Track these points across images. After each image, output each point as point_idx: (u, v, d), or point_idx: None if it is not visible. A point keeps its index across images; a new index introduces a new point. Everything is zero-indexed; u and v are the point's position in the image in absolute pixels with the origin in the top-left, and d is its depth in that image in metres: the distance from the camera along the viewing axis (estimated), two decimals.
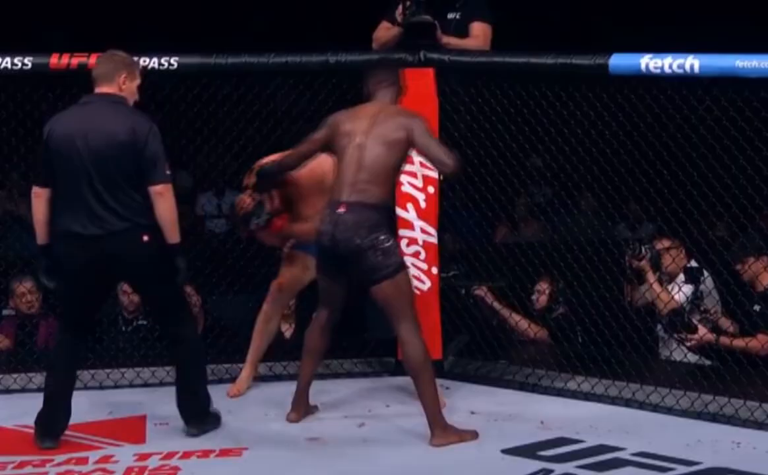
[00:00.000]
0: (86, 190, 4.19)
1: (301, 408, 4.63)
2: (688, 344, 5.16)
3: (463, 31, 5.29)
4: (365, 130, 4.41)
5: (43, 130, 4.35)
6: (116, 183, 4.19)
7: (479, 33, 5.30)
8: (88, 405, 4.82)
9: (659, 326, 5.37)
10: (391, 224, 4.64)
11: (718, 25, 8.39)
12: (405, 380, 5.07)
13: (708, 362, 5.12)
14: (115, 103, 4.28)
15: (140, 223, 4.21)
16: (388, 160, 4.38)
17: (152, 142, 4.21)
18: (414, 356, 4.34)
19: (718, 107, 4.64)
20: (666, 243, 5.43)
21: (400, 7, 5.21)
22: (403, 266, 4.41)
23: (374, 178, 4.35)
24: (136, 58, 5.01)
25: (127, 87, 4.33)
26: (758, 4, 8.79)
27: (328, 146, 4.49)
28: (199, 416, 4.50)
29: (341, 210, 4.34)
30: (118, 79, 4.30)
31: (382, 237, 4.32)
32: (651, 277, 5.35)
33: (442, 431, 4.35)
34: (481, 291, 5.54)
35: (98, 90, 4.32)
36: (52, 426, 4.40)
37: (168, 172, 4.26)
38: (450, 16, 5.32)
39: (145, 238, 4.22)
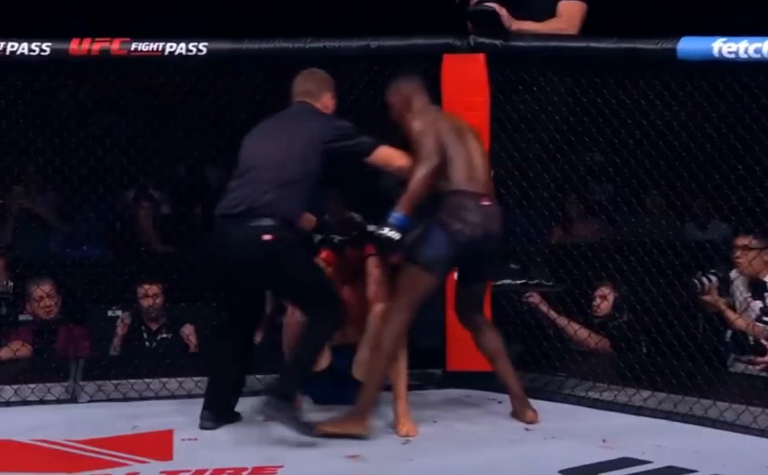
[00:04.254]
0: None
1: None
2: (758, 367, 5.11)
3: (550, 11, 5.18)
4: (460, 126, 4.73)
5: None
6: None
7: (564, 12, 5.16)
8: (110, 418, 4.86)
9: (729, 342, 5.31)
10: None
11: None
12: (453, 393, 5.08)
13: None
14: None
15: None
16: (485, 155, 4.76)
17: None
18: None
19: None
20: (744, 241, 5.36)
21: None
22: None
23: (487, 173, 4.72)
24: (161, 44, 5.11)
25: (329, 105, 4.77)
26: None
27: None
28: (278, 397, 4.53)
29: (486, 202, 4.63)
30: (322, 97, 4.75)
31: None
32: (722, 305, 5.33)
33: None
34: (536, 298, 5.52)
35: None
36: (212, 407, 4.73)
37: None
38: None
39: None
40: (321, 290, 4.63)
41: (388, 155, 4.68)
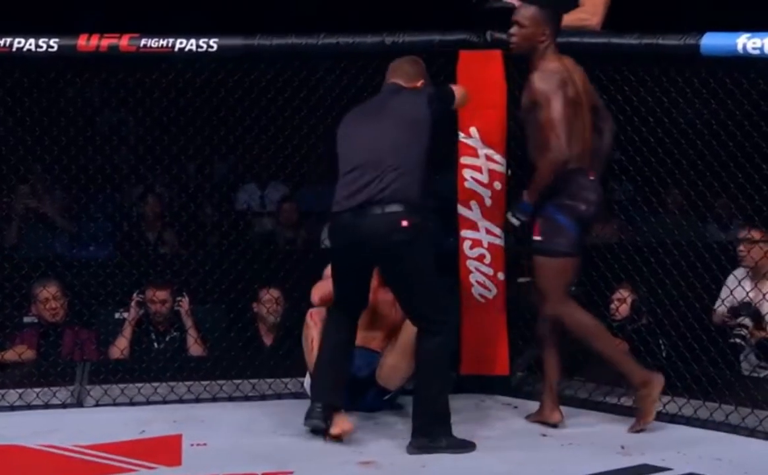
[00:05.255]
0: None
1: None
2: None
3: (571, 2, 5.12)
4: (578, 91, 4.70)
5: None
6: None
7: (587, 1, 5.12)
8: (117, 423, 4.84)
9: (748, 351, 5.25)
10: None
11: None
12: (466, 398, 5.04)
13: None
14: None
15: None
16: None
17: None
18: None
19: None
20: (756, 235, 5.32)
21: None
22: None
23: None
24: (171, 40, 5.09)
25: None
26: None
27: None
28: (425, 428, 4.49)
29: (592, 177, 4.70)
30: (416, 82, 4.74)
31: None
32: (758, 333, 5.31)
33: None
34: None
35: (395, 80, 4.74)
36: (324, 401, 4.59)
37: None
38: None
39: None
40: (440, 296, 4.58)
41: (461, 95, 4.83)
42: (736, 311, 5.37)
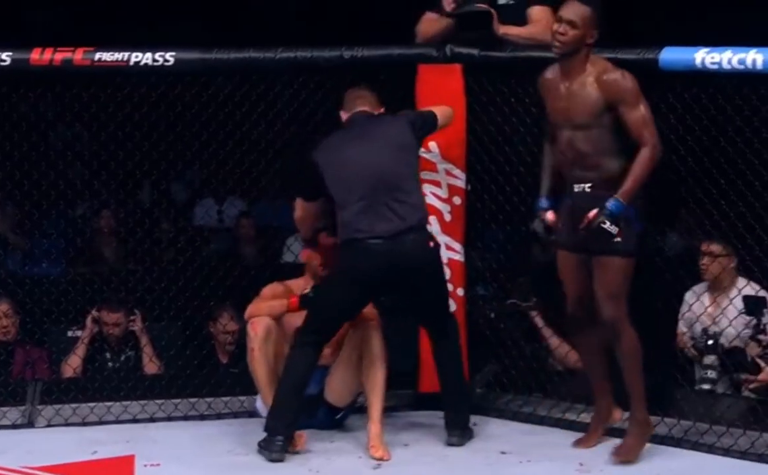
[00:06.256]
0: None
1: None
2: (751, 386, 5.10)
3: (519, 19, 5.16)
4: None
5: None
6: None
7: (540, 18, 5.13)
8: (69, 444, 4.81)
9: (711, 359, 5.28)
10: None
11: None
12: (426, 416, 5.06)
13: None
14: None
15: None
16: None
17: None
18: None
19: None
20: (715, 248, 5.36)
21: None
22: None
23: None
24: (127, 54, 5.09)
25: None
26: None
27: None
28: (466, 426, 4.82)
29: None
30: (379, 108, 4.88)
31: None
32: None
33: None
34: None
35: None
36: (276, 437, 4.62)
37: None
38: (502, 1, 5.21)
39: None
40: (448, 302, 4.93)
41: (445, 116, 4.94)
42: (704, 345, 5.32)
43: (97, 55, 5.10)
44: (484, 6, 5.06)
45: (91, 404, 5.18)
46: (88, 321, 5.84)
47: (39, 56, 5.09)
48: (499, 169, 5.22)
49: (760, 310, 5.16)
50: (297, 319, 4.81)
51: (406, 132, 4.75)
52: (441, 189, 5.18)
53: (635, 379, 4.54)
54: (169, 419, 5.15)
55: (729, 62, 4.52)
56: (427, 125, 4.85)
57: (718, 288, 5.38)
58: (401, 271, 4.63)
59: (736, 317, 5.11)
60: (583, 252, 4.54)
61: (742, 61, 4.50)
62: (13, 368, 5.82)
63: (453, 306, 5.07)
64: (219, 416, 5.11)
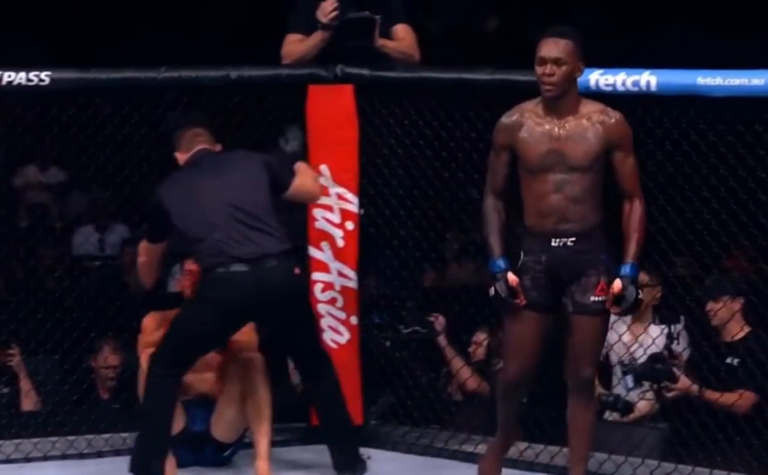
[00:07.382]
0: None
1: None
2: (670, 395, 5.11)
3: (384, 36, 5.18)
4: None
5: None
6: None
7: (406, 35, 5.22)
8: None
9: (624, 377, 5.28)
10: None
11: (677, 37, 8.49)
12: (318, 450, 4.97)
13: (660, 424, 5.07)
14: None
15: None
16: None
17: None
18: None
19: (677, 130, 4.61)
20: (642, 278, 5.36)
21: (324, 5, 5.11)
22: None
23: None
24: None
25: None
26: (719, 13, 8.93)
27: None
28: (356, 460, 4.74)
29: None
30: (217, 145, 4.84)
31: None
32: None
33: None
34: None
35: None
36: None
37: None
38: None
39: None
40: (318, 336, 4.88)
41: (307, 186, 4.84)
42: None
43: None
44: (368, 14, 5.05)
45: (16, 441, 5.04)
46: None
47: None
48: (393, 193, 5.18)
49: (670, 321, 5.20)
50: None
51: (261, 168, 4.66)
52: (333, 214, 5.12)
53: (589, 445, 4.36)
54: (46, 458, 5.00)
55: (623, 84, 4.54)
56: (284, 172, 4.71)
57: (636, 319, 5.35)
58: (263, 296, 4.49)
59: (650, 346, 5.12)
60: (556, 313, 4.26)
61: (636, 83, 4.53)
62: None
63: (346, 335, 5.01)
64: (99, 455, 4.96)
